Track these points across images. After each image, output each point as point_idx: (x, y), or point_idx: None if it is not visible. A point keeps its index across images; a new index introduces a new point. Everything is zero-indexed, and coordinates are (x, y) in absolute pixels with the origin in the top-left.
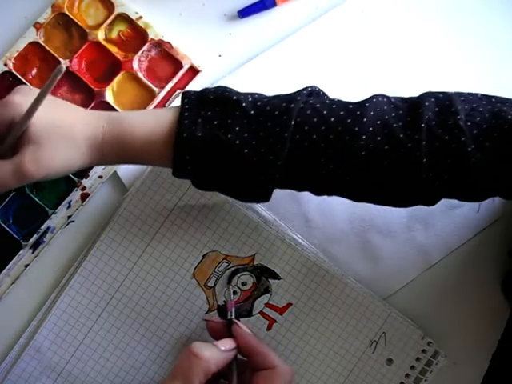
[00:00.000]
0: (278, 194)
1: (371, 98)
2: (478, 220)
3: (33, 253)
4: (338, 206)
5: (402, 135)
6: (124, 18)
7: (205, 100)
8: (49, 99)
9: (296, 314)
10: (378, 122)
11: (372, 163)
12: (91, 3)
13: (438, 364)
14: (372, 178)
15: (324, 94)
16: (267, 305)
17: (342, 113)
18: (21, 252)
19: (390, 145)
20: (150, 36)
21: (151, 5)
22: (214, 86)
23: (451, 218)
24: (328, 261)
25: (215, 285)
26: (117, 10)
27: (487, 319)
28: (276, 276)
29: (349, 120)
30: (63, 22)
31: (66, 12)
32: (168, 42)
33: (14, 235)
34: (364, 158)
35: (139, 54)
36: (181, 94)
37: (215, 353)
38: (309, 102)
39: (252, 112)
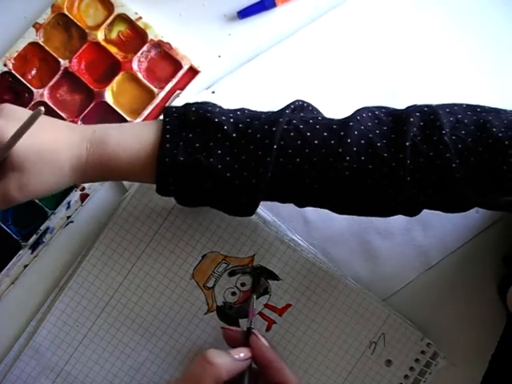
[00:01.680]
0: None
1: (355, 114)
2: (477, 221)
3: (32, 253)
4: None
5: (386, 154)
6: (124, 18)
7: (186, 121)
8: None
9: (295, 315)
10: (362, 142)
11: (356, 182)
12: (91, 3)
13: (437, 365)
14: (356, 196)
15: (309, 106)
16: (266, 305)
17: (325, 134)
18: (20, 252)
19: (373, 164)
20: (150, 36)
21: (151, 5)
22: (212, 88)
23: (450, 219)
24: (327, 261)
25: (214, 285)
26: (116, 11)
27: (486, 320)
28: (275, 277)
29: (332, 141)
30: (63, 23)
31: (66, 12)
32: (167, 43)
33: (14, 235)
34: (348, 178)
35: (139, 54)
36: (163, 111)
37: (228, 361)
38: (292, 123)
39: (234, 135)
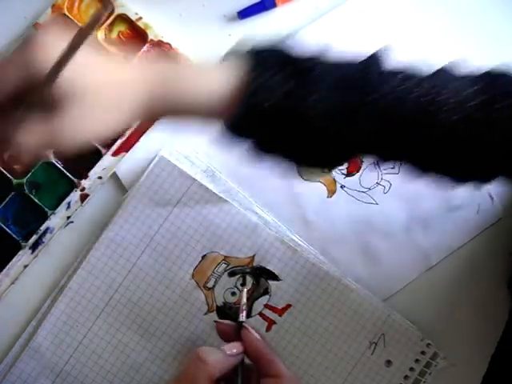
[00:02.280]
0: (277, 195)
1: (441, 71)
2: (478, 221)
3: (32, 253)
4: (337, 207)
5: (478, 114)
6: (124, 18)
7: (272, 62)
8: (94, 51)
9: (295, 315)
10: (453, 100)
11: (448, 141)
12: (91, 4)
13: (436, 366)
14: (446, 154)
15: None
16: (266, 306)
17: (418, 89)
18: (20, 252)
19: (466, 124)
20: (150, 37)
21: (151, 5)
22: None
23: (451, 220)
24: (327, 262)
25: (214, 286)
26: (116, 11)
27: (486, 321)
28: (275, 277)
29: (428, 97)
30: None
31: (66, 12)
32: (168, 43)
33: (14, 236)
34: (441, 137)
35: (139, 54)
36: (245, 52)
37: (221, 358)
38: (384, 74)
39: (325, 81)
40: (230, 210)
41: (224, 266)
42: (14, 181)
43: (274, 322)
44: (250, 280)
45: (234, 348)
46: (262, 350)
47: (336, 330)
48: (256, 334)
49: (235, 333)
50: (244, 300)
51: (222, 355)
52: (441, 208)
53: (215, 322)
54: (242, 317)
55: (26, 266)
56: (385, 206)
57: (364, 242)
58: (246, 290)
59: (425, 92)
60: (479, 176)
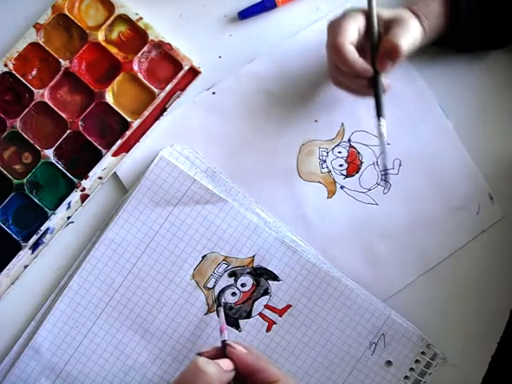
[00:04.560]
0: (277, 195)
1: None
2: (478, 222)
3: (32, 253)
4: (337, 207)
5: None
6: (124, 19)
7: None
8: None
9: (295, 316)
10: None
11: None
12: (91, 4)
13: (436, 366)
14: None
15: None
16: (266, 306)
17: None
18: (20, 253)
19: None
20: (150, 37)
21: (151, 6)
22: (212, 89)
23: (451, 220)
24: (327, 262)
25: (215, 286)
26: (117, 11)
27: (487, 321)
28: (275, 277)
29: None
30: (63, 23)
31: (67, 13)
32: (168, 43)
33: (14, 236)
34: None
35: (139, 55)
36: None
37: (220, 370)
38: None
39: None
40: (230, 210)
41: (224, 266)
42: (14, 181)
43: (275, 323)
44: (249, 280)
45: (226, 363)
46: (251, 361)
47: (336, 330)
48: (241, 348)
49: (222, 352)
50: (223, 319)
51: (220, 368)
52: (441, 208)
53: (197, 354)
54: (224, 335)
55: (26, 266)
56: (385, 207)
57: (364, 243)
58: (221, 308)
59: None
60: None
